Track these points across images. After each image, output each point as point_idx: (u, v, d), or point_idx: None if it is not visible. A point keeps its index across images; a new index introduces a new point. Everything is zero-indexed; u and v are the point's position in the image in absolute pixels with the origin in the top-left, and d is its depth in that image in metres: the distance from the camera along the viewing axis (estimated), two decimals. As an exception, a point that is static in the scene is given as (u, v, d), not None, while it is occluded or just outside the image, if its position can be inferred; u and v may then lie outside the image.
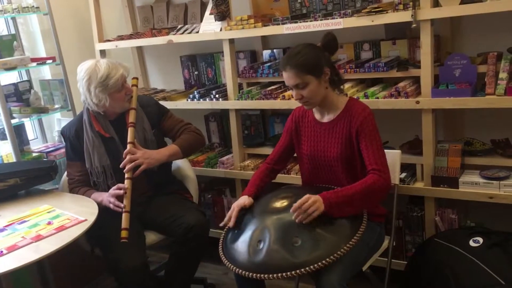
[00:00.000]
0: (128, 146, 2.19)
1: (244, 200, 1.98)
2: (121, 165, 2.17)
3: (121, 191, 2.12)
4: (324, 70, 1.91)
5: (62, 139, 2.38)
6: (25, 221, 1.99)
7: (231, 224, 1.92)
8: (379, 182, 1.84)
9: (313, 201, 1.74)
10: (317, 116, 2.05)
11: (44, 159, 2.86)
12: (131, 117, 2.24)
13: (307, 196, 1.75)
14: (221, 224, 1.99)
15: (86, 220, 1.94)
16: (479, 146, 2.32)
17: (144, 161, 2.18)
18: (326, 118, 2.01)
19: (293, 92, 1.94)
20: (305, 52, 1.88)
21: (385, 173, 1.87)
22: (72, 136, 2.29)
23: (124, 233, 2.03)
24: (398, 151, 2.20)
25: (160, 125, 2.39)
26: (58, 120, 3.23)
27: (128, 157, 2.17)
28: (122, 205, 2.09)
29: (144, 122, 2.31)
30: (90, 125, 2.26)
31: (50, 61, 2.92)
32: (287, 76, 1.91)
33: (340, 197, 1.79)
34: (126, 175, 2.15)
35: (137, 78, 2.37)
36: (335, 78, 1.99)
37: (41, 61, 2.89)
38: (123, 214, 2.07)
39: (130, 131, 2.21)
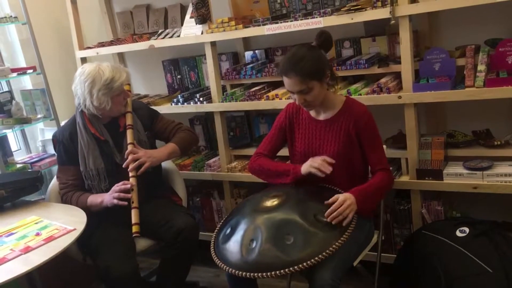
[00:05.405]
0: (129, 147, 2.20)
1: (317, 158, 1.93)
2: (124, 165, 2.18)
3: (128, 186, 2.13)
4: (326, 73, 1.92)
5: (52, 145, 2.36)
6: (12, 233, 1.97)
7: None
8: (390, 179, 1.99)
9: (348, 205, 1.77)
10: (312, 113, 2.05)
11: (29, 170, 2.83)
12: (129, 120, 2.27)
13: (341, 199, 1.78)
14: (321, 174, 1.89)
15: (75, 229, 1.93)
16: (461, 138, 2.36)
17: (147, 159, 2.20)
18: (323, 116, 2.02)
19: (296, 96, 1.92)
20: (309, 57, 1.86)
21: (391, 171, 2.01)
22: (66, 140, 2.28)
23: (135, 228, 2.06)
24: (383, 146, 2.23)
25: (152, 127, 2.42)
26: (41, 130, 3.20)
27: (130, 156, 2.18)
28: (129, 196, 2.11)
29: (137, 124, 2.33)
30: (85, 128, 2.25)
31: (31, 70, 2.89)
32: (290, 82, 1.88)
33: (367, 194, 1.87)
34: (130, 174, 2.17)
35: (129, 84, 2.39)
36: (332, 77, 2.00)
37: (21, 71, 2.86)
38: (133, 210, 2.10)
39: (129, 132, 2.24)
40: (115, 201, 2.12)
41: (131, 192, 2.13)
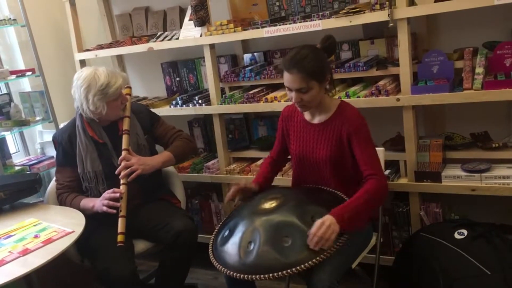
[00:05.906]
0: (123, 153, 2.20)
1: (245, 181, 2.04)
2: (116, 172, 2.17)
3: (117, 194, 2.12)
4: (326, 76, 1.92)
5: (53, 146, 2.36)
6: (11, 236, 1.97)
7: (225, 200, 2.06)
8: (380, 188, 1.85)
9: (327, 227, 1.67)
10: (307, 116, 2.05)
11: (28, 172, 2.83)
12: (125, 125, 2.26)
13: (320, 222, 1.69)
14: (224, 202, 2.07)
15: (73, 231, 1.93)
16: (460, 140, 2.37)
17: (139, 167, 2.19)
18: (317, 119, 2.02)
19: (293, 94, 1.90)
20: (312, 57, 1.86)
21: (383, 177, 1.90)
22: (65, 141, 2.29)
23: (120, 237, 2.03)
24: (381, 149, 2.23)
25: (152, 132, 2.41)
26: (39, 132, 3.21)
27: (123, 163, 2.17)
28: (117, 205, 2.10)
29: (136, 127, 2.33)
30: (83, 130, 2.25)
31: (30, 73, 2.90)
32: (291, 79, 1.87)
33: (350, 211, 1.75)
34: (121, 181, 2.16)
35: (130, 88, 2.38)
36: (330, 82, 1.99)
37: (20, 74, 2.87)
38: (119, 219, 2.08)
39: (124, 138, 2.23)
40: (104, 208, 2.12)
41: (120, 201, 2.11)
